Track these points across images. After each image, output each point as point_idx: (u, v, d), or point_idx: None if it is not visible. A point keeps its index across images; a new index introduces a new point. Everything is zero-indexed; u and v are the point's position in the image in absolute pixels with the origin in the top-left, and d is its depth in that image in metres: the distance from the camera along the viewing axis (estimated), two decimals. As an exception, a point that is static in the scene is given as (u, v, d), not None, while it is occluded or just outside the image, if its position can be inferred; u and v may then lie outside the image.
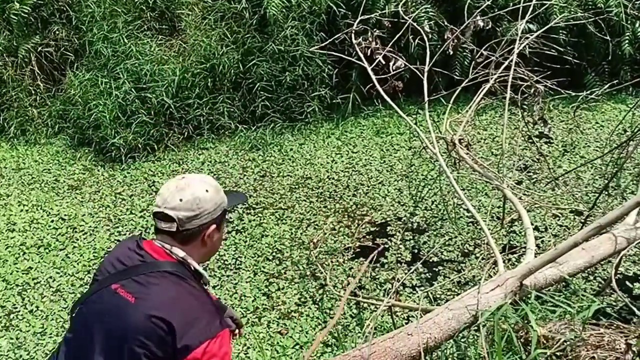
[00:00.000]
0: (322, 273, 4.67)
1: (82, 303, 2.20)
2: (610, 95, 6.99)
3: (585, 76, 7.03)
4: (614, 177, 5.19)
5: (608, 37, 6.59)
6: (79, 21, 7.05)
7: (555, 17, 6.25)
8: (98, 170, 6.35)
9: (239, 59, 6.68)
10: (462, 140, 4.95)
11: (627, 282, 4.40)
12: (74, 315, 2.23)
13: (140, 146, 6.46)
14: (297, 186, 5.87)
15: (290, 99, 6.79)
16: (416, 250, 4.93)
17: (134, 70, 6.61)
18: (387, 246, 5.00)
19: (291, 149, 6.52)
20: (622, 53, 6.81)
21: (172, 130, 6.68)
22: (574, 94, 5.67)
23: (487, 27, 6.41)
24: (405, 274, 4.63)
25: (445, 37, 5.91)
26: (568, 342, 2.83)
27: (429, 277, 4.64)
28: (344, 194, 5.70)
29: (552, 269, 3.50)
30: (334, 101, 6.97)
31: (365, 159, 6.25)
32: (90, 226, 5.47)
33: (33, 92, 7.12)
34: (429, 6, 6.72)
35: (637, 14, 6.80)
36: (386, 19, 6.28)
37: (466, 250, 4.87)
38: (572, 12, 6.69)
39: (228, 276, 4.78)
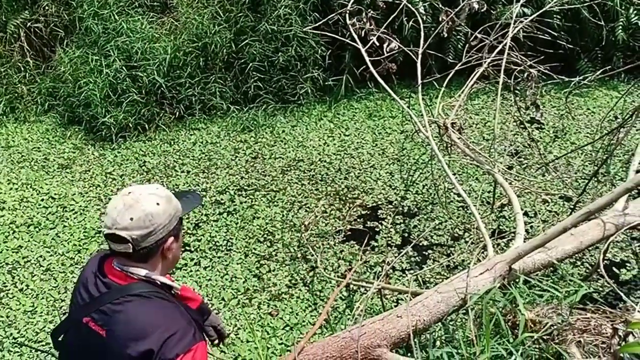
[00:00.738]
0: (312, 255, 4.69)
1: (60, 335, 2.17)
2: (602, 81, 7.00)
3: (578, 62, 7.02)
4: (604, 164, 5.20)
5: (602, 23, 6.57)
6: (69, -4, 6.98)
7: (550, 2, 6.21)
8: (88, 150, 6.32)
9: (232, 38, 6.63)
10: (454, 124, 4.94)
11: (614, 268, 4.45)
12: (56, 345, 2.21)
13: (131, 125, 6.42)
14: (289, 168, 5.86)
15: (283, 80, 6.76)
16: (406, 234, 4.94)
17: (125, 48, 6.55)
18: (377, 229, 5.01)
19: (283, 131, 6.51)
20: (615, 39, 6.79)
21: (164, 110, 6.64)
22: (566, 79, 5.65)
23: (482, 10, 6.39)
24: (395, 257, 4.65)
25: (440, 19, 5.87)
26: (555, 326, 2.86)
27: (419, 260, 4.66)
28: (335, 176, 5.70)
29: (541, 254, 3.53)
30: (327, 83, 6.95)
31: (357, 142, 6.24)
32: (80, 205, 5.45)
33: (22, 68, 7.07)
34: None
35: (631, -1, 6.80)
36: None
37: (456, 235, 4.89)
38: (567, -3, 6.69)
39: (219, 257, 4.79)
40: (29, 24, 7.06)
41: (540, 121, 6.36)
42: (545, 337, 2.86)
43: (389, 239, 4.91)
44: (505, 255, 3.39)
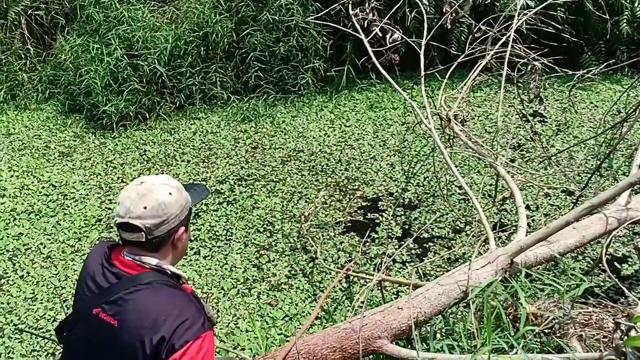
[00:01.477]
0: (312, 246, 4.68)
1: (67, 330, 2.17)
2: (605, 75, 6.97)
3: (582, 55, 6.98)
4: (607, 158, 5.19)
5: (606, 16, 6.55)
6: (70, -16, 6.96)
7: (554, -6, 6.21)
8: (89, 138, 6.32)
9: (233, 28, 6.61)
10: (456, 116, 4.93)
11: (616, 263, 4.42)
12: (62, 340, 2.23)
13: (131, 114, 6.42)
14: (289, 159, 5.85)
15: (284, 70, 6.74)
16: (407, 226, 4.93)
17: (126, 36, 6.55)
18: (377, 221, 5.00)
19: (284, 121, 6.49)
20: (619, 33, 6.77)
21: (164, 99, 6.64)
22: (570, 72, 5.63)
23: (486, 2, 6.38)
24: (396, 249, 4.64)
25: (443, 10, 5.85)
26: (556, 320, 2.86)
27: (419, 253, 4.64)
28: (336, 167, 5.69)
29: (543, 248, 3.52)
30: (328, 74, 6.92)
31: (358, 133, 6.22)
32: (81, 193, 5.45)
33: (23, 56, 7.06)
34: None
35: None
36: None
37: (457, 227, 4.87)
38: (571, -11, 6.66)
39: (219, 247, 4.78)
40: (29, 11, 7.04)
41: (543, 114, 6.34)
42: (546, 331, 2.87)
43: (390, 230, 4.89)
44: (507, 249, 3.38)
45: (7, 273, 4.61)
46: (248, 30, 6.55)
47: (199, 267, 4.58)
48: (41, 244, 4.89)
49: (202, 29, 6.61)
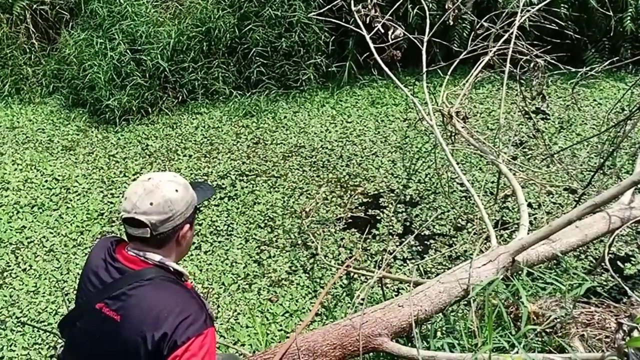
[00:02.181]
0: (313, 242, 4.68)
1: (71, 324, 2.18)
2: (609, 72, 6.95)
3: (585, 52, 6.98)
4: (610, 156, 5.18)
5: (610, 13, 6.53)
6: (74, -21, 6.98)
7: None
8: (92, 132, 6.33)
9: (235, 24, 6.61)
10: (458, 113, 4.92)
11: (619, 262, 4.41)
12: (64, 334, 2.24)
13: (134, 109, 6.43)
14: (290, 154, 5.86)
15: (286, 65, 6.74)
16: (408, 223, 4.93)
17: (130, 31, 6.56)
18: (378, 218, 5.01)
19: (285, 117, 6.50)
20: (623, 30, 6.74)
21: (167, 93, 6.65)
22: (572, 70, 5.62)
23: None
24: (397, 246, 4.64)
25: (446, 6, 5.84)
26: (558, 320, 2.85)
27: (420, 250, 4.65)
28: (337, 163, 5.69)
29: (545, 246, 3.50)
30: (330, 69, 6.92)
31: (360, 129, 6.23)
32: (83, 187, 5.46)
33: (28, 50, 7.09)
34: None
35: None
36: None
37: (459, 225, 4.88)
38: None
39: (220, 242, 4.79)
40: (34, 6, 7.06)
41: (546, 111, 6.33)
42: (548, 330, 2.86)
43: (391, 227, 4.90)
44: (509, 247, 3.37)
45: (9, 266, 4.63)
46: (250, 26, 6.56)
47: (199, 262, 4.59)
48: (44, 237, 4.90)
49: (204, 24, 6.61)
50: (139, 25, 6.53)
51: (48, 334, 3.99)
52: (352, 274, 4.40)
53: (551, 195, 5.14)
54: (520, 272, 3.25)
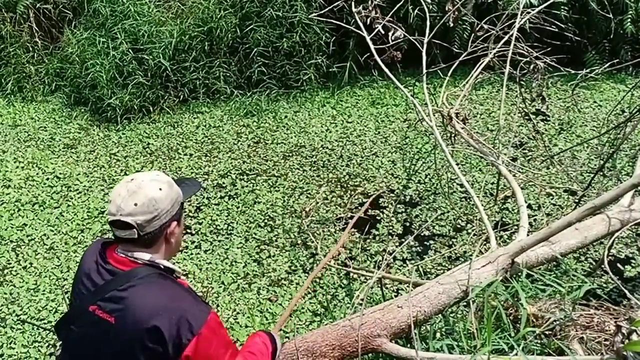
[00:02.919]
0: (313, 242, 4.70)
1: (66, 327, 2.19)
2: (609, 74, 6.95)
3: (585, 54, 6.98)
4: (610, 158, 5.19)
5: (610, 15, 6.54)
6: (77, -22, 7.01)
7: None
8: (93, 130, 6.35)
9: (237, 24, 6.63)
10: (458, 114, 4.93)
11: (619, 265, 4.42)
12: (61, 337, 2.23)
13: (135, 107, 6.45)
14: (290, 154, 5.87)
15: (287, 65, 6.75)
16: (408, 224, 4.95)
17: (132, 30, 6.58)
18: (378, 218, 5.02)
19: (286, 117, 6.51)
20: (623, 32, 6.74)
21: (168, 92, 6.66)
22: (573, 71, 5.62)
23: (488, 0, 6.37)
24: (397, 247, 4.66)
25: (446, 8, 5.85)
26: (557, 322, 2.84)
27: (420, 250, 4.66)
28: (337, 163, 5.71)
29: (545, 248, 3.49)
30: (331, 70, 6.93)
31: (360, 130, 6.24)
32: (84, 185, 5.48)
33: (31, 49, 7.11)
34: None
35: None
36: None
37: (458, 226, 4.89)
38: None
39: (220, 241, 4.81)
40: (38, 5, 7.10)
41: (546, 113, 6.34)
42: (547, 333, 2.85)
43: (390, 227, 4.92)
44: (508, 248, 3.37)
45: (10, 264, 4.65)
46: (252, 26, 6.57)
47: (199, 261, 4.61)
48: (44, 235, 4.93)
49: (206, 24, 6.63)
50: (141, 25, 6.55)
51: (48, 332, 4.01)
52: (351, 275, 4.41)
53: (551, 197, 5.15)
54: (519, 274, 3.25)
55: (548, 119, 6.32)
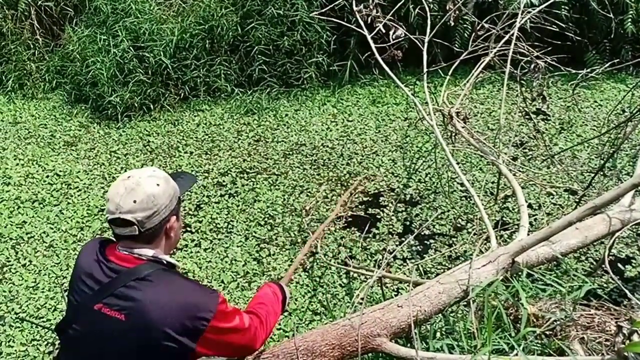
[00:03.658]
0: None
1: (68, 327, 2.18)
2: (610, 74, 6.96)
3: (586, 54, 6.97)
4: (611, 158, 5.19)
5: (611, 15, 6.54)
6: (78, -24, 7.01)
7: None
8: (94, 128, 6.35)
9: (238, 22, 6.62)
10: (459, 113, 4.93)
11: (619, 264, 4.41)
12: (62, 337, 2.23)
13: (136, 105, 6.44)
14: (291, 152, 5.87)
15: (288, 64, 6.75)
16: (408, 222, 4.94)
17: (133, 28, 6.58)
18: (378, 217, 5.02)
19: (286, 115, 6.51)
20: (624, 31, 6.74)
21: (169, 90, 6.66)
22: (573, 71, 5.62)
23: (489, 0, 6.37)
24: (397, 246, 4.65)
25: (447, 7, 5.85)
26: (558, 322, 2.83)
27: (420, 250, 4.66)
28: (337, 162, 5.71)
29: (545, 248, 3.49)
30: (331, 68, 6.93)
31: (361, 128, 6.24)
32: (84, 183, 5.48)
33: (32, 46, 7.12)
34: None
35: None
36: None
37: (459, 225, 4.89)
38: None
39: (220, 239, 4.80)
40: (39, 2, 7.10)
41: (546, 112, 6.34)
42: (547, 333, 2.84)
43: (391, 226, 4.91)
44: (509, 248, 3.36)
45: (9, 261, 4.64)
46: (253, 24, 6.56)
47: (199, 259, 4.60)
48: (44, 232, 4.92)
49: (207, 22, 6.63)
50: (143, 23, 6.55)
51: (47, 330, 4.01)
52: (351, 274, 4.41)
53: (551, 196, 5.15)
54: (520, 274, 3.24)
55: (548, 118, 6.32)
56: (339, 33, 6.78)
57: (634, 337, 2.52)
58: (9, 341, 3.97)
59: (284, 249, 4.69)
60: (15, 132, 6.30)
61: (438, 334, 3.17)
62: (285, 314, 4.09)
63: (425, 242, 4.73)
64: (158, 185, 2.16)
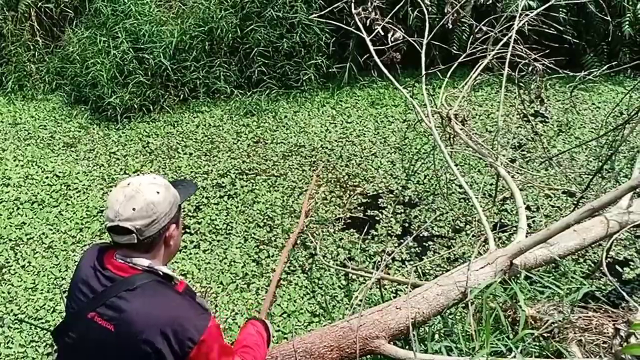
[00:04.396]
0: (312, 242, 4.71)
1: (63, 334, 2.16)
2: (607, 76, 6.99)
3: (584, 56, 6.99)
4: (609, 160, 5.20)
5: (608, 18, 6.55)
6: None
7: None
8: (93, 129, 6.37)
9: (237, 24, 6.65)
10: (457, 115, 4.94)
11: (617, 267, 4.42)
12: (58, 344, 2.21)
13: (136, 106, 6.47)
14: (290, 154, 5.88)
15: (287, 66, 6.78)
16: (407, 224, 4.96)
17: (133, 30, 6.62)
18: (377, 218, 5.04)
19: (285, 116, 6.53)
20: (622, 34, 6.77)
21: (168, 92, 6.68)
22: (571, 73, 5.63)
23: (487, 2, 6.38)
24: (396, 247, 4.66)
25: (445, 10, 5.87)
26: (556, 324, 2.85)
27: (419, 251, 4.67)
28: (336, 163, 5.72)
29: (543, 250, 3.50)
30: (330, 70, 6.95)
31: (359, 130, 6.26)
32: (84, 184, 5.49)
33: (32, 47, 7.15)
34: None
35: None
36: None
37: (457, 227, 4.90)
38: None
39: (219, 241, 4.81)
40: (39, 3, 7.13)
41: (545, 114, 6.36)
42: (545, 335, 2.85)
43: (389, 228, 4.92)
44: (507, 250, 3.37)
45: (8, 262, 4.65)
46: (252, 26, 6.59)
47: (198, 260, 4.61)
48: (43, 233, 4.93)
49: (207, 24, 6.66)
50: (142, 24, 6.58)
51: (45, 331, 4.00)
52: (350, 275, 4.42)
53: (549, 199, 5.16)
54: (518, 276, 3.25)
55: (547, 120, 6.34)
56: (338, 35, 6.80)
57: (632, 340, 2.53)
58: (7, 342, 3.97)
59: (282, 250, 4.69)
60: (14, 133, 6.31)
61: (436, 336, 3.19)
62: (284, 315, 4.10)
63: (424, 243, 4.74)
64: (158, 192, 2.12)
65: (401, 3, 5.91)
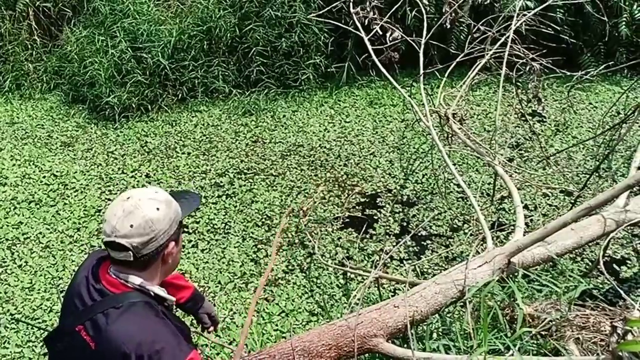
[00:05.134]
0: (310, 242, 4.71)
1: (52, 343, 2.12)
2: (604, 76, 7.00)
3: (581, 56, 7.00)
4: (606, 159, 5.21)
5: (605, 18, 6.56)
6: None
7: (553, -4, 6.21)
8: (91, 128, 6.36)
9: (236, 23, 6.64)
10: (455, 115, 4.94)
11: (614, 265, 4.45)
12: (49, 351, 2.18)
13: (134, 106, 6.46)
14: (288, 153, 5.88)
15: (285, 65, 6.78)
16: (405, 223, 4.96)
17: (131, 29, 6.61)
18: (375, 217, 5.04)
19: (284, 116, 6.53)
20: (618, 34, 6.78)
21: (167, 91, 6.68)
22: (568, 73, 5.64)
23: (485, 2, 6.38)
24: (394, 246, 4.67)
25: (443, 10, 5.87)
26: (553, 322, 2.85)
27: (417, 250, 4.68)
28: (335, 163, 5.72)
29: (541, 248, 3.50)
30: (329, 70, 6.95)
31: (358, 129, 6.26)
32: (81, 184, 5.48)
33: (29, 46, 7.13)
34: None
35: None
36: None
37: (455, 226, 4.91)
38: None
39: (217, 240, 4.81)
40: (37, 2, 7.12)
41: (542, 114, 6.37)
42: (543, 333, 2.85)
43: (387, 227, 4.93)
44: (505, 248, 3.38)
45: (5, 262, 4.65)
46: (251, 26, 6.59)
47: (196, 260, 4.61)
48: (40, 233, 4.93)
49: (205, 23, 6.65)
50: (141, 24, 6.58)
51: (42, 331, 4.00)
52: (348, 274, 4.42)
53: (547, 197, 5.17)
54: (515, 274, 3.26)
55: (544, 120, 6.35)
56: (336, 35, 6.80)
57: (629, 337, 2.54)
58: (4, 342, 3.98)
59: (281, 250, 4.70)
60: (12, 132, 6.30)
61: (434, 335, 3.19)
62: (282, 314, 4.11)
63: (422, 242, 4.75)
64: (158, 209, 2.00)
65: (399, 3, 5.90)
